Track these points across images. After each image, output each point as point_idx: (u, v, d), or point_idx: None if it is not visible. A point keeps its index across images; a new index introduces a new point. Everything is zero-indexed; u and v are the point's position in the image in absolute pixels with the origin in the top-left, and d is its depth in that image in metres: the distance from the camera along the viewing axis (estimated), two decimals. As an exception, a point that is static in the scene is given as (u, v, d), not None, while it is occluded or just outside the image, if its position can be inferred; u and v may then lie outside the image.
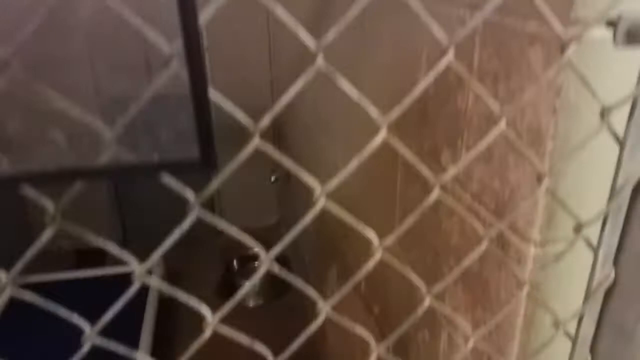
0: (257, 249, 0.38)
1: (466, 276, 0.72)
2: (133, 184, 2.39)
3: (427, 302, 0.43)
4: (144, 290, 1.96)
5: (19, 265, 0.34)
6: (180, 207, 0.36)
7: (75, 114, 0.29)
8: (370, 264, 0.40)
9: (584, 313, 0.48)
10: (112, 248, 0.36)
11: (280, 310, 2.25)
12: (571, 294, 0.53)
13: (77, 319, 0.38)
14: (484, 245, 0.41)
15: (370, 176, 1.12)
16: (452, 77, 0.69)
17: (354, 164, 0.36)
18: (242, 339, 0.41)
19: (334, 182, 0.37)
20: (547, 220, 0.56)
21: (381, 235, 0.40)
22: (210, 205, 2.78)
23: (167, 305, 2.05)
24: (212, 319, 0.39)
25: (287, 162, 0.36)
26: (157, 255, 0.35)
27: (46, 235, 0.34)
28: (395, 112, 0.34)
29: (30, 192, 0.32)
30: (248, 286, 0.45)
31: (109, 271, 2.02)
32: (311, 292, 0.41)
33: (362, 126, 1.09)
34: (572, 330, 0.51)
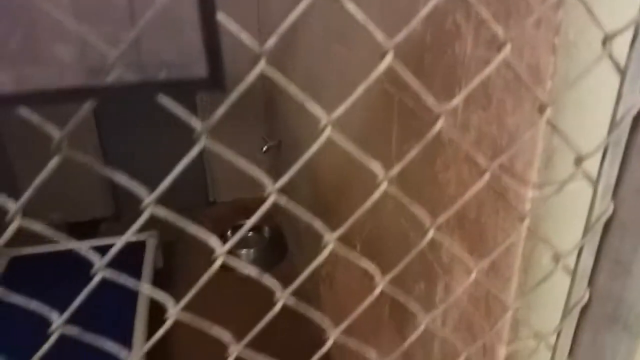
0: (263, 179, 0.38)
1: (463, 223, 0.73)
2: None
3: (430, 234, 0.43)
4: (138, 261, 1.96)
5: (27, 194, 0.34)
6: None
7: (81, 30, 0.29)
8: (376, 195, 0.41)
9: (583, 246, 0.49)
10: (120, 178, 0.36)
11: (274, 278, 2.27)
12: (569, 232, 0.54)
13: (87, 252, 0.38)
14: (486, 176, 0.42)
15: (365, 135, 1.13)
16: (449, 25, 0.68)
17: (360, 89, 0.36)
18: (251, 270, 0.41)
19: (339, 110, 0.37)
20: (545, 162, 0.56)
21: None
22: (202, 176, 2.77)
23: (160, 279, 2.06)
24: (220, 250, 0.39)
25: (292, 89, 0.36)
26: (166, 183, 0.35)
27: (52, 164, 0.34)
28: (402, 35, 0.34)
29: (35, 118, 0.32)
30: (258, 214, 0.44)
31: (102, 242, 2.02)
32: (318, 224, 0.41)
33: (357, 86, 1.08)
34: (571, 266, 0.52)
